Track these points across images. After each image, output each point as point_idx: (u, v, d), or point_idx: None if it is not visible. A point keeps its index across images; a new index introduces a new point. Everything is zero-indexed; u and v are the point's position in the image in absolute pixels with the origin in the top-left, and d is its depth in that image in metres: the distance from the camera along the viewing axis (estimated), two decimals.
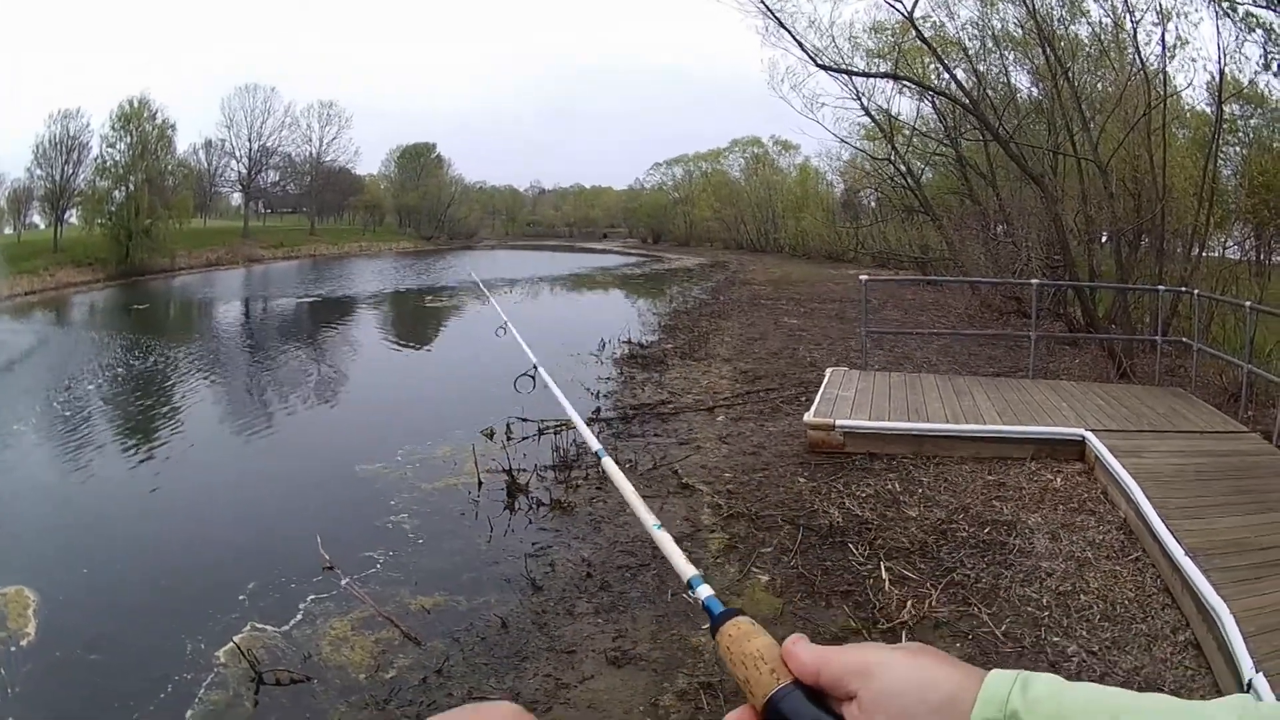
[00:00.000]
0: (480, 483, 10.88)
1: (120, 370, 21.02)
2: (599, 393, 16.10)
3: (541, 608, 7.50)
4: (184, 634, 7.16)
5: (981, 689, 0.80)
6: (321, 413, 16.96)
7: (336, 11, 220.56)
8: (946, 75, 22.39)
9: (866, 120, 32.35)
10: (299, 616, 7.50)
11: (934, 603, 7.05)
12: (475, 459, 11.34)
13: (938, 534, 8.52)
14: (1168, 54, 17.17)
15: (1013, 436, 10.86)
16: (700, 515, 9.45)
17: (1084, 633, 6.49)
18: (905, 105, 33.74)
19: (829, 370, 14.69)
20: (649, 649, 6.65)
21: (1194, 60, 17.87)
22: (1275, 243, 23.54)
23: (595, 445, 2.11)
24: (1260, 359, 12.81)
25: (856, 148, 39.81)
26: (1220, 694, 4.08)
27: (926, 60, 24.53)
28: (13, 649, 7.05)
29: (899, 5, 19.84)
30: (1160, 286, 15.19)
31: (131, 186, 55.56)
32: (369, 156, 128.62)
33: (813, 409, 11.87)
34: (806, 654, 0.90)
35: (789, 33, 20.82)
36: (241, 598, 7.86)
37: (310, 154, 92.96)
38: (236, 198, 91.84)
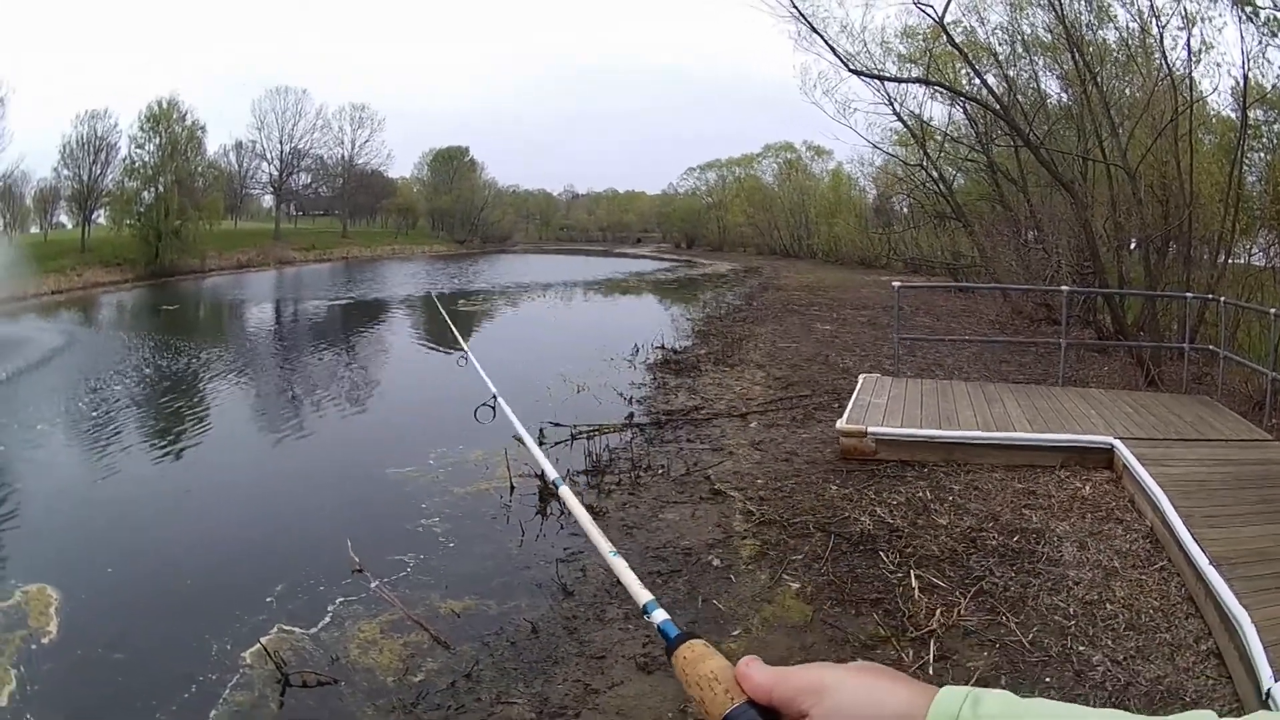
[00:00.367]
0: (512, 487, 10.94)
1: (148, 370, 21.22)
2: (632, 398, 16.22)
3: (572, 613, 7.52)
4: (209, 634, 7.18)
5: (932, 706, 0.84)
6: (352, 415, 17.05)
7: (341, 13, 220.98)
8: (977, 80, 22.33)
9: (898, 126, 32.30)
10: (327, 619, 7.53)
11: (963, 611, 7.11)
12: (508, 463, 11.37)
13: (967, 542, 8.57)
14: (1193, 59, 17.13)
15: (1042, 444, 10.91)
16: (732, 521, 9.50)
17: (1109, 642, 6.55)
18: (937, 111, 33.69)
19: (861, 376, 14.77)
20: None
21: (1219, 65, 17.80)
22: None
23: (552, 474, 2.18)
24: None
25: (889, 153, 39.74)
26: (1240, 703, 4.18)
27: (957, 65, 24.48)
28: (34, 647, 7.07)
29: (929, 10, 19.82)
30: (1188, 293, 15.18)
31: (161, 187, 55.77)
32: (398, 159, 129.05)
33: (845, 415, 11.93)
34: (759, 674, 0.96)
35: (821, 37, 20.82)
36: (269, 599, 7.89)
37: (342, 156, 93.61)
38: (268, 200, 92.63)
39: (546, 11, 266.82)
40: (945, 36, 21.14)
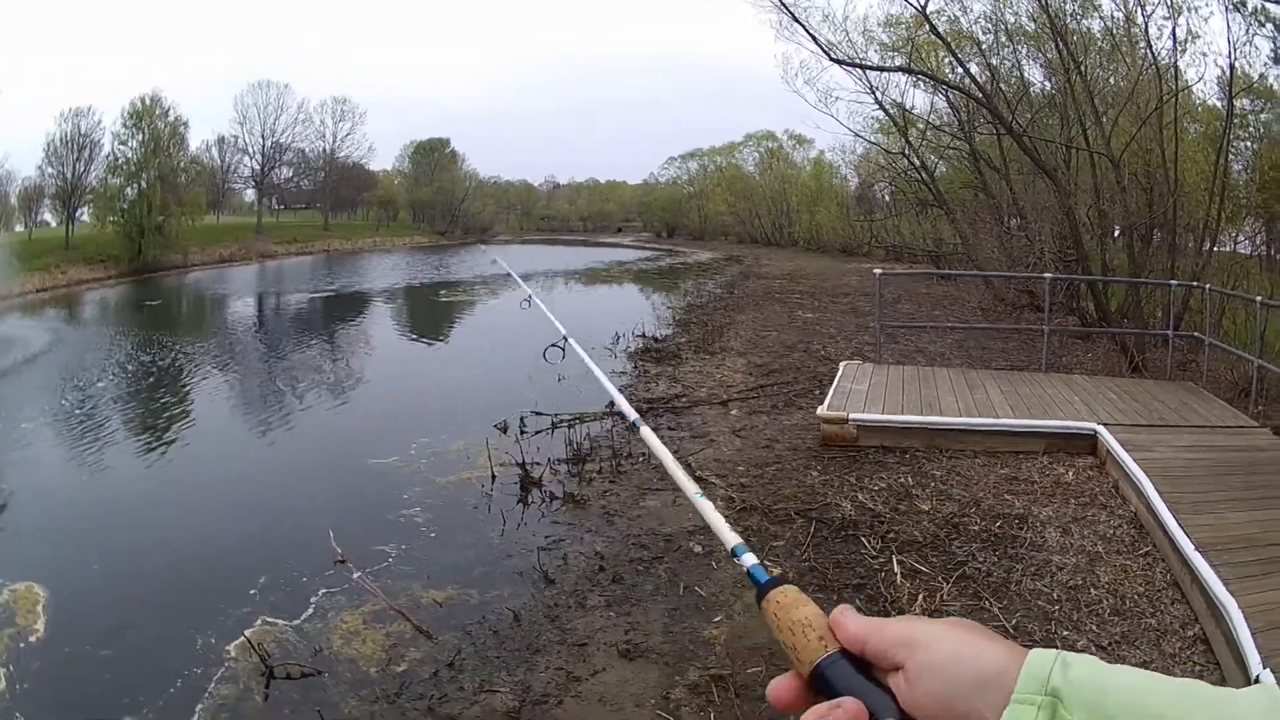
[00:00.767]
0: (494, 476, 10.92)
1: (132, 366, 21.14)
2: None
3: (554, 601, 7.53)
4: (194, 628, 7.19)
5: (1024, 666, 0.81)
6: (334, 407, 16.99)
7: (337, 10, 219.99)
8: (960, 69, 22.28)
9: (880, 114, 32.35)
10: (310, 610, 7.53)
11: (945, 596, 7.10)
12: (489, 453, 11.37)
13: (950, 527, 8.55)
14: (1179, 48, 17.13)
15: (1025, 430, 10.90)
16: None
17: (1094, 627, 6.52)
18: (919, 99, 33.58)
19: (843, 364, 14.75)
20: (660, 642, 6.70)
21: (1204, 55, 17.89)
22: None
23: (632, 414, 1.95)
24: (1271, 354, 12.77)
25: (870, 141, 39.69)
26: None
27: (940, 54, 24.42)
28: (22, 645, 7.07)
29: None
30: (1172, 281, 15.18)
31: (144, 184, 55.36)
32: (379, 152, 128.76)
33: (826, 402, 11.92)
34: (854, 624, 0.93)
35: (802, 26, 20.76)
36: (252, 591, 7.90)
37: (324, 150, 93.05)
38: (250, 194, 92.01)
39: (534, 9, 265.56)
40: (928, 25, 21.11)
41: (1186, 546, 6.92)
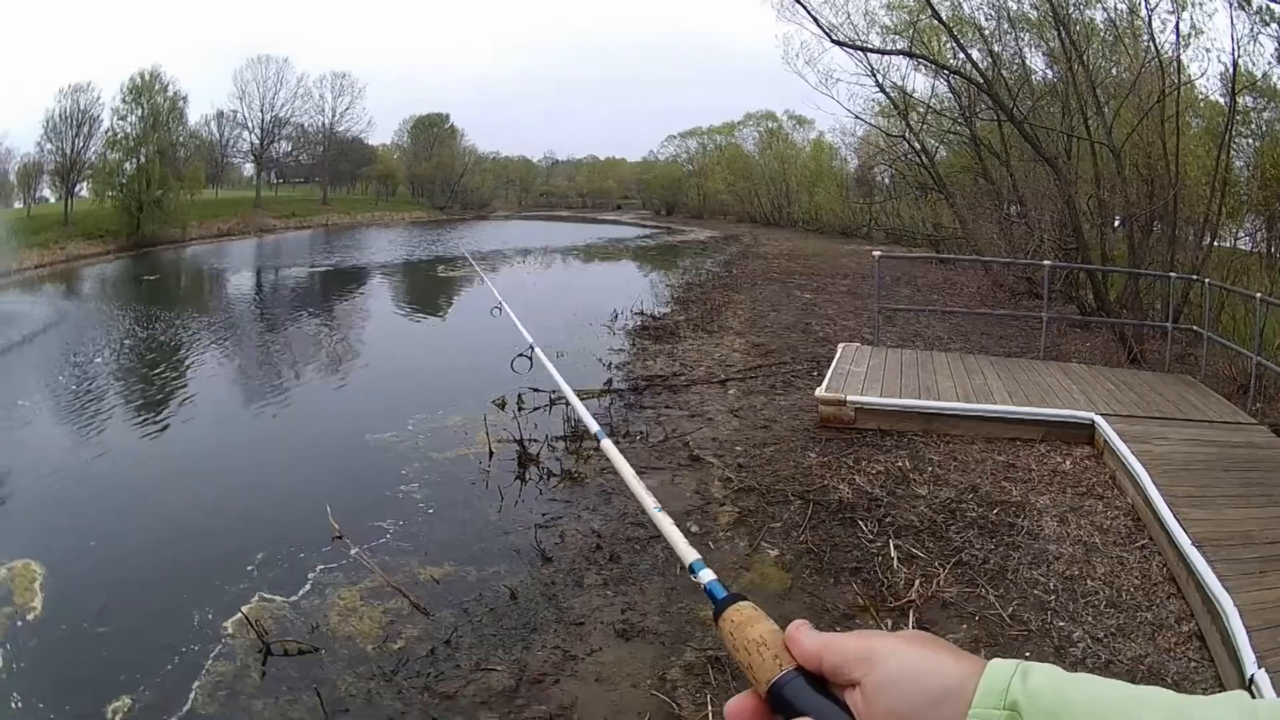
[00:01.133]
0: (491, 453, 10.92)
1: (129, 342, 21.08)
2: (611, 364, 16.18)
3: (551, 579, 7.53)
4: (192, 605, 7.17)
5: (982, 679, 0.81)
6: (332, 382, 16.98)
7: None
8: (962, 54, 22.24)
9: (881, 97, 32.45)
10: (307, 586, 7.52)
11: (942, 582, 7.09)
12: (486, 429, 11.38)
13: (947, 513, 8.56)
14: (1182, 43, 17.11)
15: (1023, 418, 10.89)
16: (710, 488, 9.51)
17: (1090, 619, 6.53)
18: (920, 83, 33.59)
19: (841, 345, 14.72)
20: (657, 622, 6.71)
21: (1208, 50, 17.82)
22: None
23: (594, 427, 2.01)
24: (1270, 352, 12.76)
25: (871, 124, 39.77)
26: (1223, 688, 4.13)
27: (942, 39, 24.39)
28: (19, 623, 7.06)
29: None
30: (1172, 273, 15.20)
31: (143, 158, 55.22)
32: (379, 126, 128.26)
33: (824, 384, 11.92)
34: (809, 640, 0.91)
35: (804, 7, 20.74)
36: (250, 568, 7.88)
37: (323, 124, 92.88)
38: (249, 168, 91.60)
39: None
40: (930, 10, 21.08)
41: (1183, 541, 6.92)
